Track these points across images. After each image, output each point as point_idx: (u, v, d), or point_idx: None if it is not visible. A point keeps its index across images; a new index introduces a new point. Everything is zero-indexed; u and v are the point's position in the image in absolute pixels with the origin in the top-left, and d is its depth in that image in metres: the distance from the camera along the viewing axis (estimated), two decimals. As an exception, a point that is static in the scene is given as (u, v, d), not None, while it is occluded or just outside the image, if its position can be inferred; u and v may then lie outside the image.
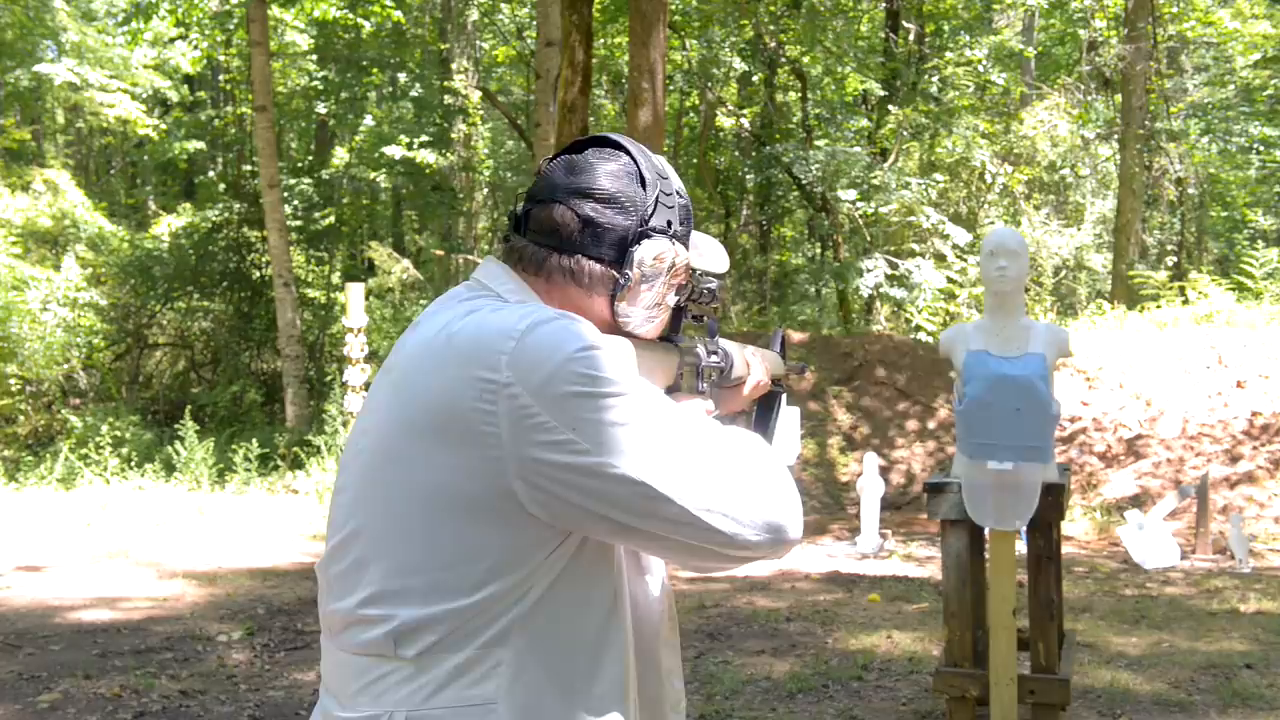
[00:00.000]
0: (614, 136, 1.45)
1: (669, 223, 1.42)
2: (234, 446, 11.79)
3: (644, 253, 1.38)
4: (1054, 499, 3.80)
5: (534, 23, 18.19)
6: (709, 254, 1.56)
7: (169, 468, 11.68)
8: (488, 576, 1.26)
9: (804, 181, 17.24)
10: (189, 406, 13.50)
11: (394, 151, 18.30)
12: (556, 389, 1.23)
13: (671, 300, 1.44)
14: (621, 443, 1.23)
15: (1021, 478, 3.71)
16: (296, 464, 12.01)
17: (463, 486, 1.25)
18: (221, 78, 22.82)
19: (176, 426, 12.41)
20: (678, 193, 1.45)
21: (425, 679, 1.27)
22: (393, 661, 1.29)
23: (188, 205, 20.94)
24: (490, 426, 1.23)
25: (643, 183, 1.40)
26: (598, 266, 1.38)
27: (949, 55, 18.71)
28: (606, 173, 1.40)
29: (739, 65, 18.98)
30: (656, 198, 1.41)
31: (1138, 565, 7.78)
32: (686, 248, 1.46)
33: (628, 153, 1.42)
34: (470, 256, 19.32)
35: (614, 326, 1.42)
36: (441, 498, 1.26)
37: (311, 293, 18.90)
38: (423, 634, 1.27)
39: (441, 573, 1.27)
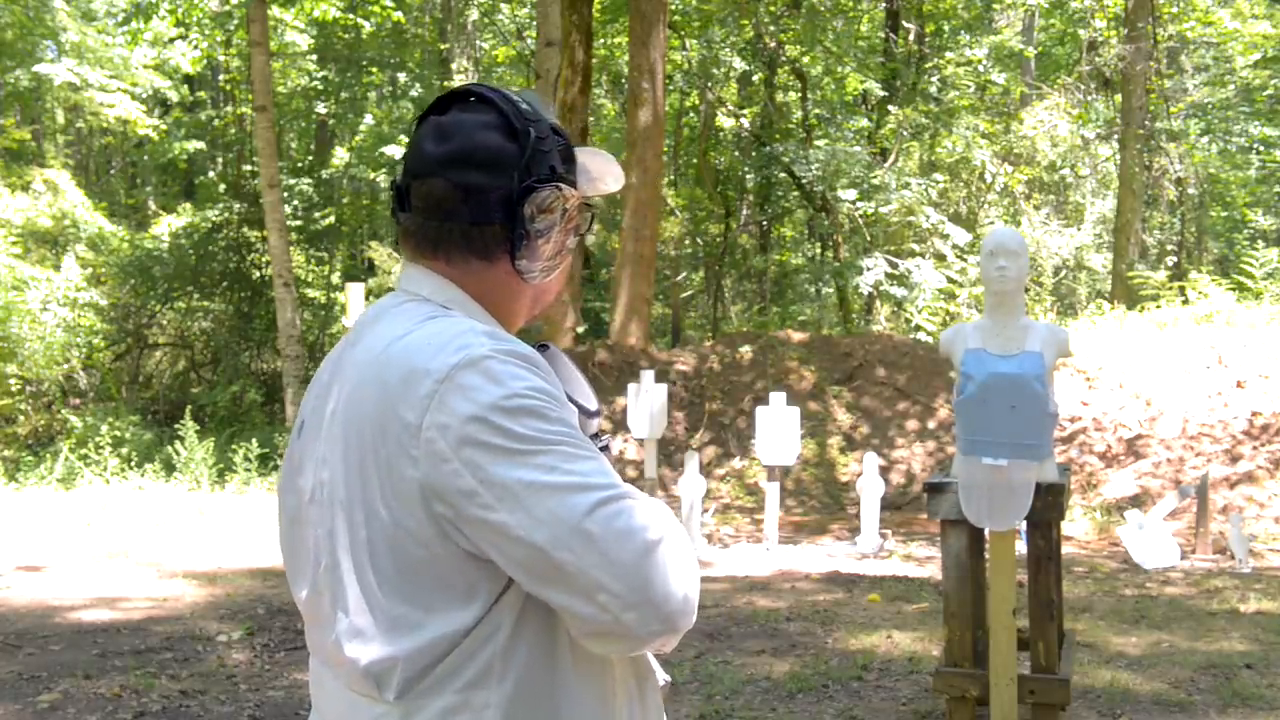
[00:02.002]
0: (477, 87, 1.39)
1: (551, 168, 1.36)
2: (234, 446, 11.79)
3: (532, 206, 1.34)
4: (1054, 499, 3.80)
5: (534, 23, 18.19)
6: (602, 176, 1.47)
7: (169, 468, 11.68)
8: (444, 611, 1.25)
9: (804, 181, 17.25)
10: (189, 406, 13.51)
11: (394, 151, 18.30)
12: (471, 439, 1.21)
13: (572, 243, 1.41)
14: (525, 503, 1.20)
15: (1013, 476, 3.72)
16: (296, 464, 11.99)
17: (404, 522, 1.24)
18: (221, 78, 22.82)
19: (176, 426, 12.41)
20: (554, 131, 1.38)
21: None
22: (380, 704, 1.28)
23: (188, 205, 20.95)
24: (414, 470, 1.23)
25: (514, 134, 1.34)
26: (489, 232, 1.35)
27: (949, 55, 18.73)
28: (473, 133, 1.34)
29: (739, 65, 19.00)
30: (532, 146, 1.34)
31: (1138, 565, 7.78)
32: (575, 184, 1.40)
33: (493, 105, 1.36)
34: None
35: (522, 284, 1.40)
36: (388, 533, 1.25)
37: (311, 293, 18.92)
38: (393, 674, 1.26)
39: (398, 609, 1.25)
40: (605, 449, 1.38)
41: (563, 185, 1.36)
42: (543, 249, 1.37)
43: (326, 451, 1.33)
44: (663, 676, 1.45)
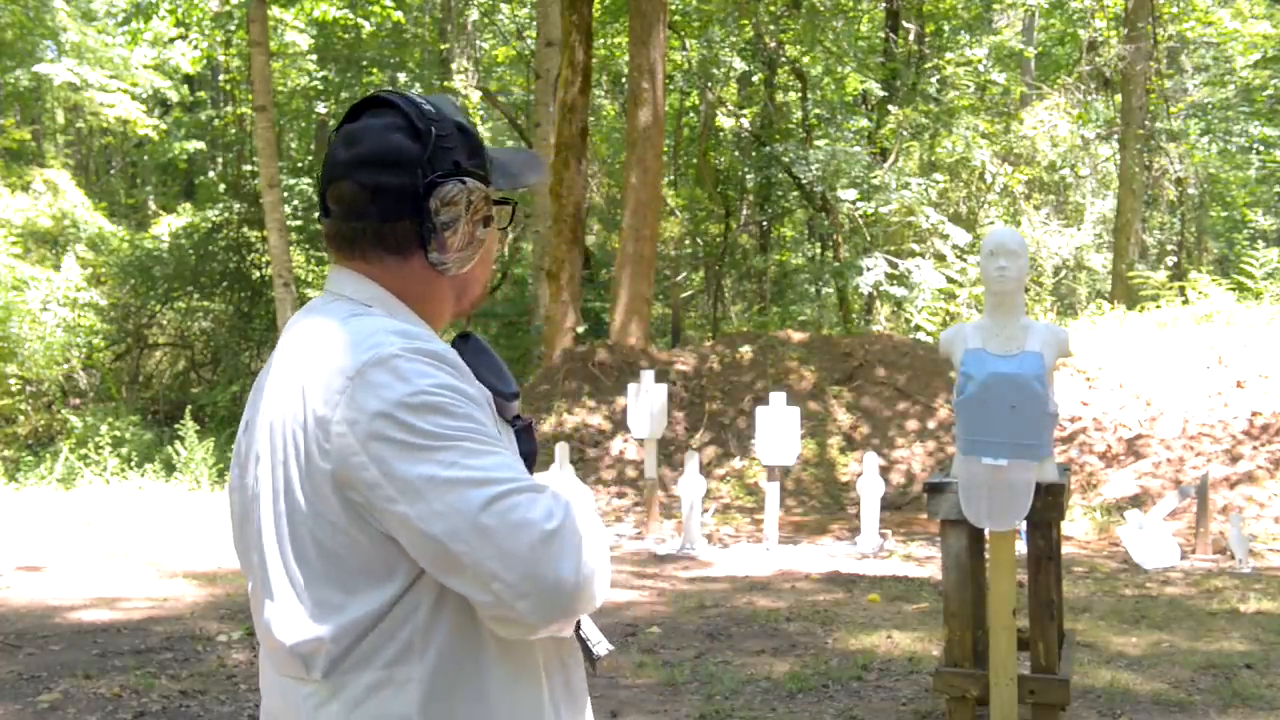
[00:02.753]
0: (384, 93, 1.46)
1: (456, 163, 1.42)
2: (234, 446, 11.78)
3: (436, 201, 1.40)
4: (1054, 499, 3.80)
5: (534, 23, 18.20)
6: (520, 172, 1.55)
7: (169, 468, 11.68)
8: (364, 589, 1.31)
9: (804, 181, 17.25)
10: (189, 406, 13.51)
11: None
12: (377, 434, 1.28)
13: (482, 234, 1.46)
14: (425, 497, 1.26)
15: (1013, 476, 3.72)
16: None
17: (323, 512, 1.32)
18: (221, 78, 22.82)
19: (176, 426, 12.41)
20: (459, 128, 1.44)
21: (341, 700, 1.33)
22: (308, 684, 1.35)
23: (188, 205, 20.96)
24: (326, 463, 1.30)
25: (416, 134, 1.41)
26: (400, 228, 1.41)
27: (949, 55, 18.72)
28: (379, 136, 1.41)
29: (739, 65, 18.99)
30: (434, 144, 1.41)
31: (1138, 565, 7.78)
32: (485, 179, 1.47)
33: (396, 107, 1.43)
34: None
35: (439, 277, 1.45)
36: (309, 523, 1.33)
37: (311, 293, 18.89)
38: (319, 654, 1.33)
39: (322, 593, 1.33)
40: (528, 427, 1.47)
41: (467, 179, 1.43)
42: (451, 240, 1.42)
43: (259, 448, 1.40)
44: (605, 646, 1.50)
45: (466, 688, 1.33)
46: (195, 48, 18.62)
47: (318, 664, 1.33)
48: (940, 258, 15.93)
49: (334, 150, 1.44)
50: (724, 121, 20.54)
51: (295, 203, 18.53)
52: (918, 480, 10.47)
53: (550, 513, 1.28)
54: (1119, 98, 18.54)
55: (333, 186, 1.43)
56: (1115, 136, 18.61)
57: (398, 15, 17.92)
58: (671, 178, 20.75)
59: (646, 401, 8.67)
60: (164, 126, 21.22)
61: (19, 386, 14.24)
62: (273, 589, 1.36)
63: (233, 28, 18.48)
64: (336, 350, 1.34)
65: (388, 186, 1.40)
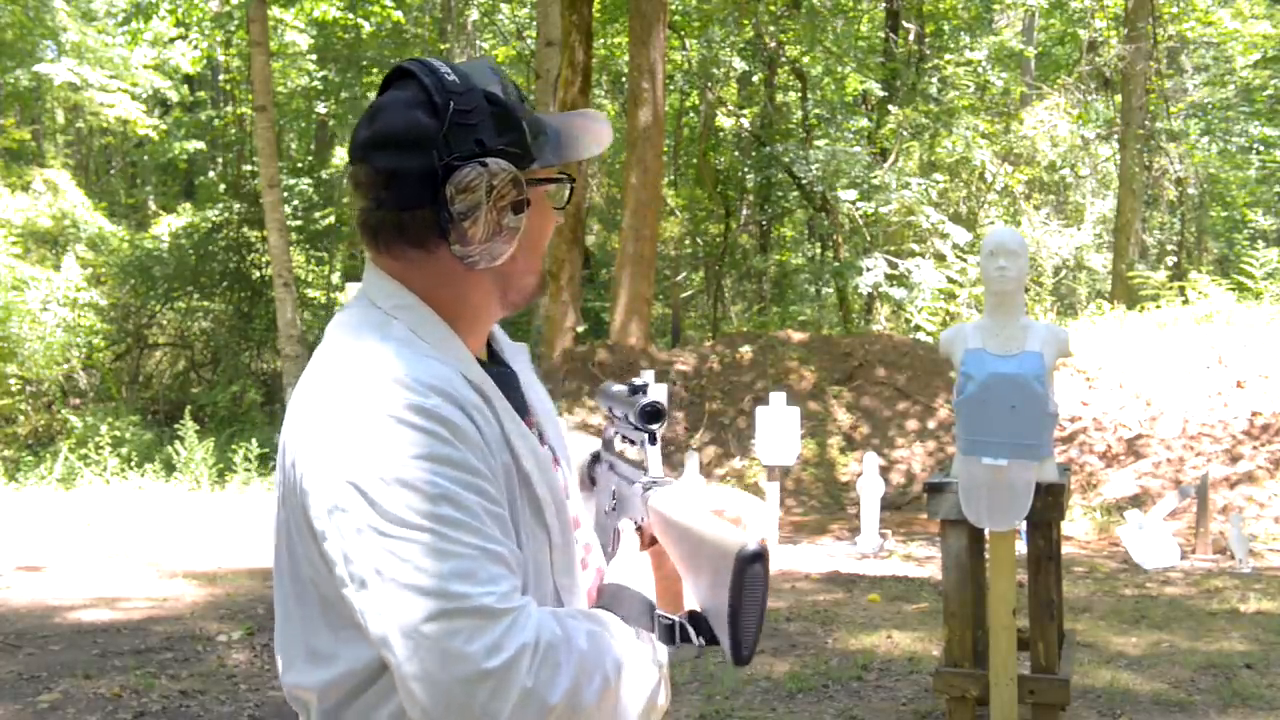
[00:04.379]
0: (408, 63, 1.29)
1: (479, 141, 1.24)
2: (234, 446, 11.79)
3: (451, 188, 1.23)
4: (1054, 499, 3.80)
5: (534, 23, 18.20)
6: (578, 139, 1.34)
7: (169, 468, 11.68)
8: (355, 640, 1.19)
9: (804, 181, 17.26)
10: (189, 406, 13.51)
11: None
12: (340, 504, 1.14)
13: (512, 221, 1.26)
14: (371, 589, 1.12)
15: (1013, 476, 3.72)
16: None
17: (311, 556, 1.21)
18: (221, 78, 22.81)
19: (176, 426, 12.41)
20: (489, 99, 1.26)
21: None
22: None
23: (188, 205, 20.95)
24: (307, 512, 1.19)
25: (435, 110, 1.24)
26: (420, 217, 1.25)
27: (949, 55, 18.72)
28: (397, 112, 1.26)
29: (739, 65, 19.00)
30: (451, 120, 1.23)
31: (1138, 565, 7.78)
32: (521, 156, 1.27)
33: (417, 79, 1.26)
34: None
35: (472, 272, 1.29)
36: (302, 564, 1.23)
37: (311, 293, 18.93)
38: (312, 704, 1.24)
39: (315, 639, 1.23)
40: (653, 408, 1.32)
41: (489, 161, 1.24)
42: (472, 231, 1.24)
43: (277, 473, 1.30)
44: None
45: None
46: (195, 48, 18.62)
47: (311, 714, 1.25)
48: (940, 258, 15.93)
49: (357, 128, 1.30)
50: (724, 121, 20.55)
51: (295, 203, 18.52)
52: (918, 480, 10.48)
53: (495, 648, 1.09)
54: (1119, 98, 18.54)
55: (352, 169, 1.29)
56: (1115, 136, 18.61)
57: (398, 15, 17.92)
58: (671, 178, 20.76)
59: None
60: (164, 126, 21.22)
61: (19, 386, 14.24)
62: (279, 622, 1.28)
63: (233, 28, 18.48)
64: (325, 392, 1.20)
65: (401, 170, 1.24)
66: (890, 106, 17.53)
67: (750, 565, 1.11)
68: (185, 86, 22.74)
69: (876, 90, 18.09)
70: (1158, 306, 14.10)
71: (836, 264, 17.49)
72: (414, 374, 1.19)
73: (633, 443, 1.39)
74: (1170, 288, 15.19)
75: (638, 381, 1.36)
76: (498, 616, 1.11)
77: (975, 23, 19.79)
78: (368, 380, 1.18)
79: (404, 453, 1.13)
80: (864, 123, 19.12)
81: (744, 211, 20.95)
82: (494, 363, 1.39)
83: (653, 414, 1.33)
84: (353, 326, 1.28)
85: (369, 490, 1.13)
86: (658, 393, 8.68)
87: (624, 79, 17.18)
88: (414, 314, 1.28)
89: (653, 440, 1.31)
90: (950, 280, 15.92)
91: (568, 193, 1.35)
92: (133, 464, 11.96)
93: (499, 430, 1.25)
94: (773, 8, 17.94)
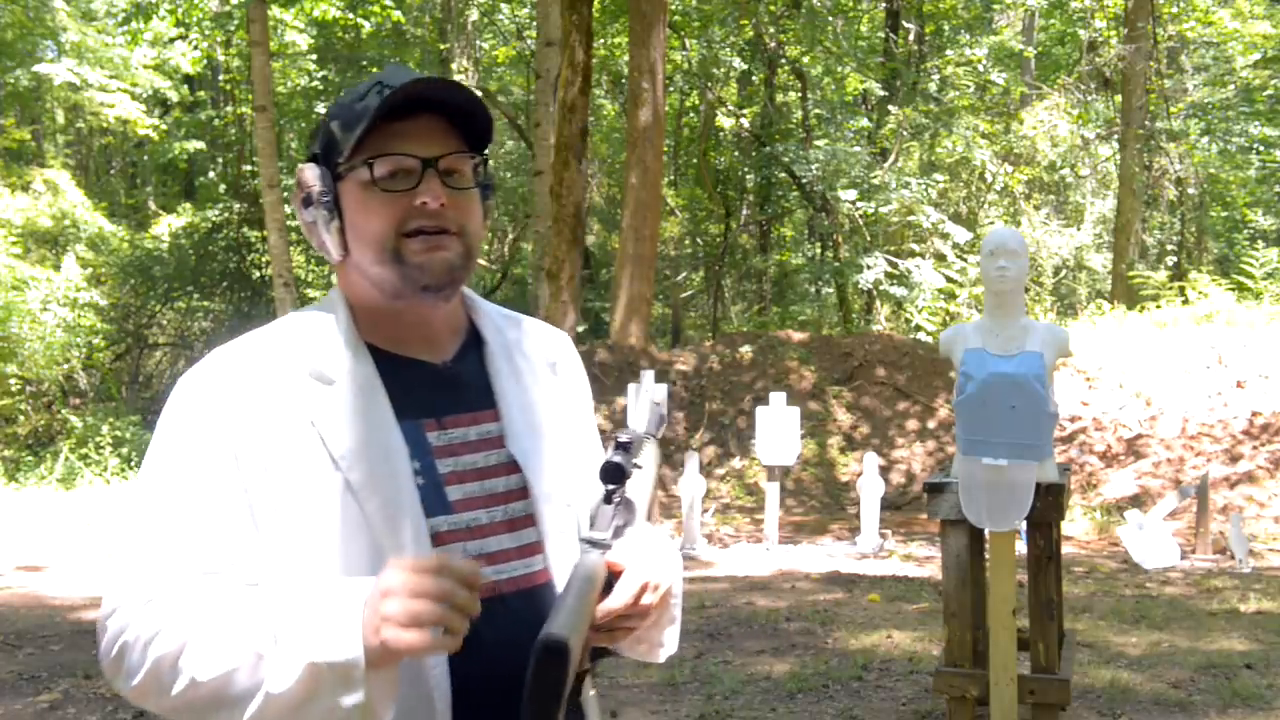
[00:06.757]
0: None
1: (313, 156, 1.34)
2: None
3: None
4: (1054, 499, 3.80)
5: (534, 23, 18.19)
6: (357, 105, 1.31)
7: (169, 468, 11.67)
8: None
9: (804, 181, 17.26)
10: (189, 406, 13.49)
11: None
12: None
13: (307, 216, 1.32)
14: (130, 523, 1.36)
15: (1014, 476, 3.72)
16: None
17: None
18: (221, 78, 22.80)
19: (176, 426, 12.40)
20: (328, 115, 1.33)
21: None
22: None
23: (188, 205, 20.95)
24: None
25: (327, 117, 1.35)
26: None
27: (949, 55, 18.72)
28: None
29: (739, 65, 18.99)
30: (322, 126, 1.34)
31: (1138, 565, 7.78)
32: (330, 155, 1.31)
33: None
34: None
35: (343, 266, 1.35)
36: None
37: (311, 293, 18.91)
38: None
39: None
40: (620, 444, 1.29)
41: (312, 161, 1.33)
42: (308, 231, 1.35)
43: None
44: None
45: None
46: (195, 48, 18.61)
47: None
48: (940, 257, 15.94)
49: None
50: (724, 121, 20.54)
51: (295, 203, 18.51)
52: (918, 480, 10.48)
53: (111, 612, 1.39)
54: (1119, 98, 18.54)
55: None
56: (1115, 136, 18.60)
57: (398, 15, 17.92)
58: (671, 178, 20.76)
59: (647, 401, 8.67)
60: (164, 126, 21.21)
61: (19, 386, 14.23)
62: None
63: (233, 28, 18.47)
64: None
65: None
66: (890, 106, 17.54)
67: (541, 653, 1.08)
68: (185, 86, 22.73)
69: (876, 90, 18.09)
70: (1158, 306, 14.10)
71: (836, 264, 17.50)
72: (250, 338, 1.33)
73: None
74: (1170, 288, 15.19)
75: (623, 437, 1.30)
76: (125, 589, 1.39)
77: (975, 23, 19.79)
78: (222, 350, 1.35)
79: (168, 408, 1.33)
80: (864, 123, 19.12)
81: (744, 211, 20.95)
82: (459, 361, 1.38)
83: (611, 471, 1.26)
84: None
85: (157, 430, 1.35)
86: (658, 393, 8.68)
87: (624, 79, 17.18)
88: (326, 301, 1.37)
89: (606, 500, 1.26)
90: (950, 280, 15.92)
91: (391, 170, 1.28)
92: (133, 464, 11.96)
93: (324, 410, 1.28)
94: (773, 8, 17.94)
